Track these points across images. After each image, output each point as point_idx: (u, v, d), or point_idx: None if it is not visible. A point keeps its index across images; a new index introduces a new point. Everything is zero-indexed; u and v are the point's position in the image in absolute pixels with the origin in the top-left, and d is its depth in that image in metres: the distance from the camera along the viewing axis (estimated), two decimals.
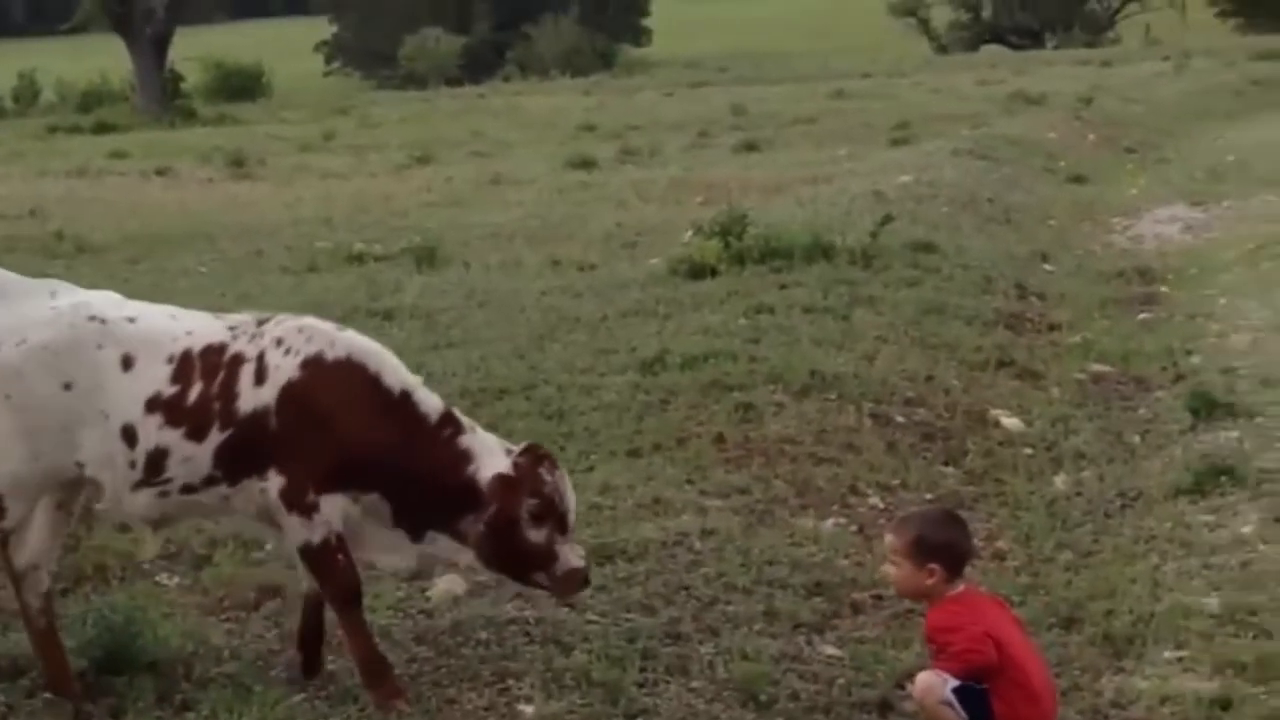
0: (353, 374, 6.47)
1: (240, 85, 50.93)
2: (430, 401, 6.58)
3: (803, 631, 7.46)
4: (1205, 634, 7.50)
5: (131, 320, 6.48)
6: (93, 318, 6.40)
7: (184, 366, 6.41)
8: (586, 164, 23.95)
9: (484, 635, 7.05)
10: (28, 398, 6.28)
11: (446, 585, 7.51)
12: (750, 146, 25.85)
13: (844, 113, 32.43)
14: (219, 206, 20.50)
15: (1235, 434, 10.31)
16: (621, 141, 26.94)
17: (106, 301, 6.56)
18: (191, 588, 7.17)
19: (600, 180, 22.28)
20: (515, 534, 6.49)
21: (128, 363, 6.37)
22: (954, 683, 6.40)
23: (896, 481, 9.62)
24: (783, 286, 13.24)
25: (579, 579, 6.64)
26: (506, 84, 44.86)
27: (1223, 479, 9.43)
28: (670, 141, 27.43)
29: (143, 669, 6.60)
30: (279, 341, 6.47)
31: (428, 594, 7.47)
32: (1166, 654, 7.41)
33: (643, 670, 6.81)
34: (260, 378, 6.41)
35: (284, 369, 6.41)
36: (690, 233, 15.04)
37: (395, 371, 6.57)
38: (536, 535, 6.51)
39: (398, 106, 39.47)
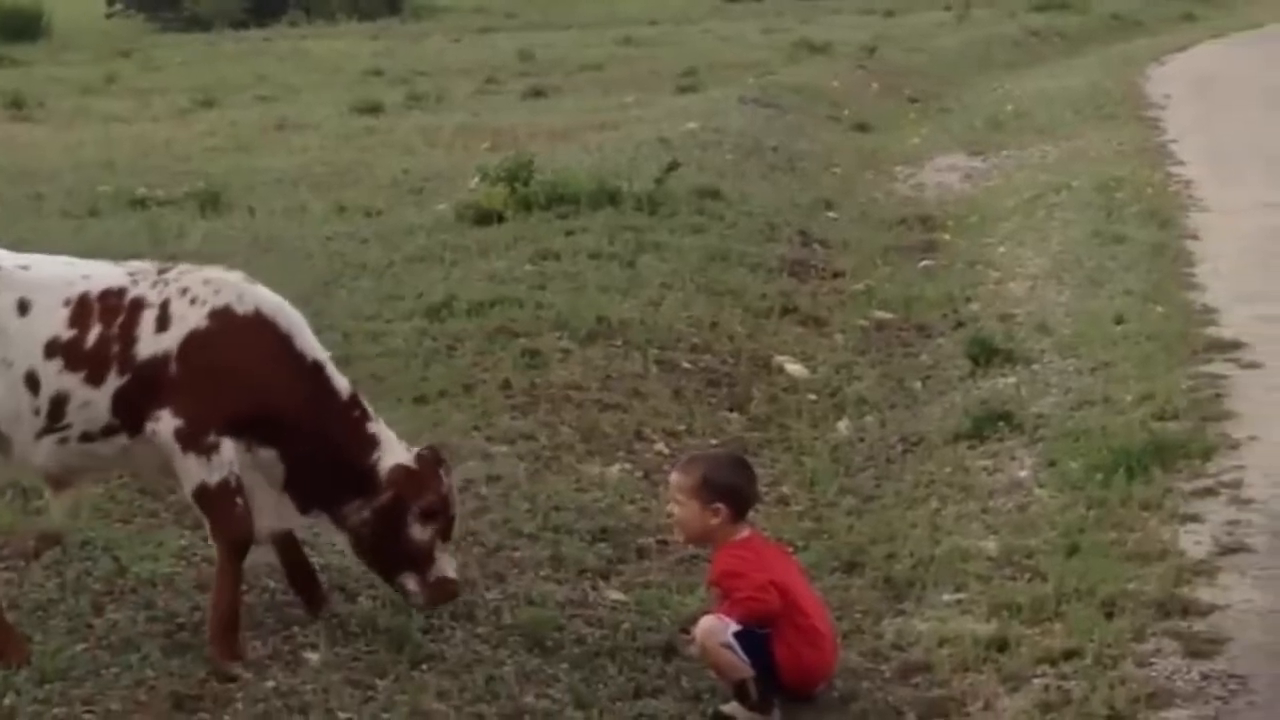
0: (263, 329, 6.38)
1: (19, 25, 49.59)
2: (340, 379, 6.53)
3: (588, 577, 7.49)
4: (983, 576, 7.64)
5: (25, 267, 6.34)
6: None
7: (82, 309, 6.28)
8: (373, 109, 23.72)
9: (269, 583, 6.98)
10: None
11: None
12: (538, 93, 25.78)
13: (632, 60, 32.41)
14: None
15: (1013, 380, 10.50)
16: (409, 87, 26.69)
17: (2, 252, 6.40)
18: None
19: (387, 126, 22.09)
20: (401, 528, 6.49)
21: (24, 307, 6.23)
22: (735, 626, 6.48)
23: (682, 427, 9.68)
24: (569, 233, 13.23)
25: (450, 590, 6.65)
26: (293, 28, 44.12)
27: (1000, 424, 9.60)
28: (458, 87, 27.24)
29: None
30: (184, 291, 6.34)
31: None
32: (945, 596, 7.54)
33: (428, 617, 6.78)
34: (163, 325, 6.29)
35: (189, 318, 6.30)
36: (477, 179, 14.96)
37: (306, 338, 6.49)
38: (421, 534, 6.51)
39: (181, 49, 38.73)
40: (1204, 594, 7.18)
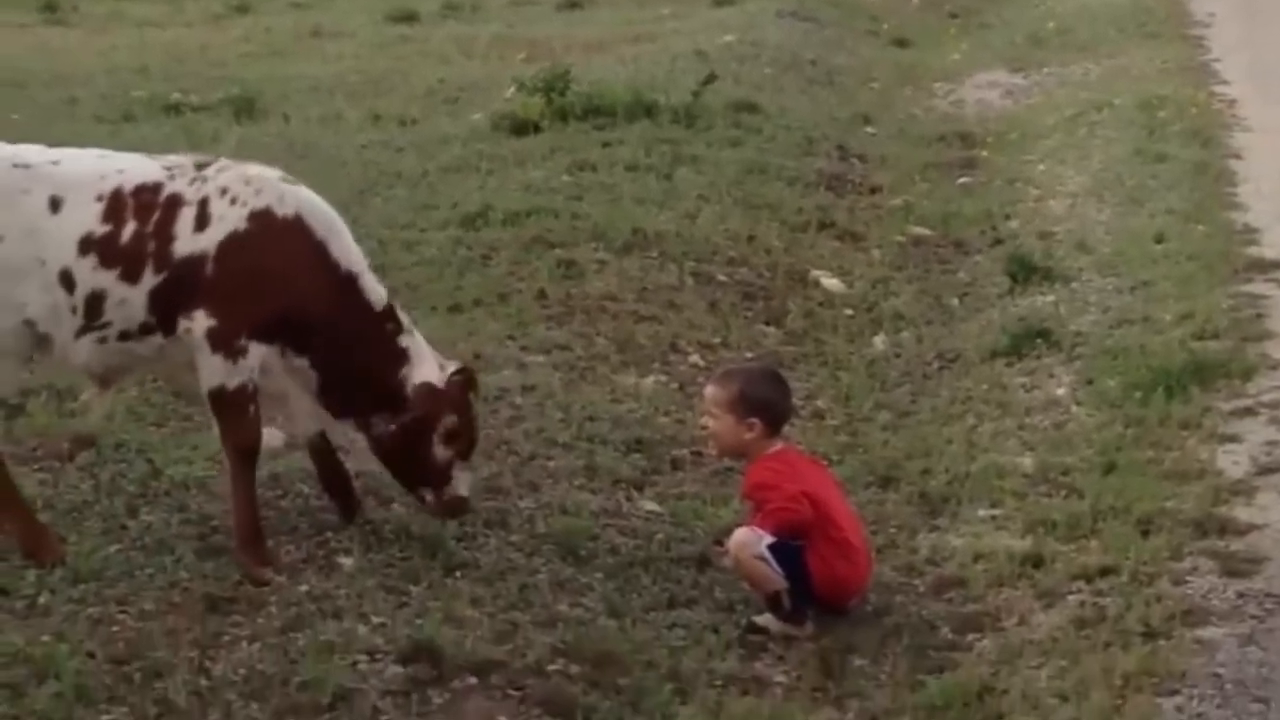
0: (301, 234, 6.32)
1: None
2: (375, 291, 6.49)
3: (622, 487, 7.47)
4: (1019, 493, 7.62)
5: (55, 162, 6.26)
6: (16, 164, 6.18)
7: (115, 205, 6.21)
8: (408, 18, 23.54)
9: (303, 488, 6.98)
10: None
11: (265, 438, 7.40)
12: (573, 4, 25.56)
13: None
14: (30, 53, 19.89)
15: (1051, 298, 10.43)
16: None
17: (30, 150, 6.34)
18: (4, 438, 7.01)
19: (422, 35, 21.94)
20: (423, 446, 6.49)
21: (56, 204, 6.17)
22: (769, 539, 6.46)
23: (717, 340, 9.63)
24: (605, 144, 13.14)
25: (460, 508, 6.67)
26: None
27: (1038, 342, 9.54)
28: None
29: None
30: (224, 190, 6.27)
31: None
32: (980, 512, 7.52)
33: (462, 524, 6.78)
34: (201, 224, 6.22)
35: (229, 219, 6.23)
36: (513, 89, 14.87)
37: (345, 245, 6.44)
38: (442, 454, 6.52)
39: None
40: (1241, 513, 7.14)
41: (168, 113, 15.27)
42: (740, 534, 6.56)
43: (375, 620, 5.95)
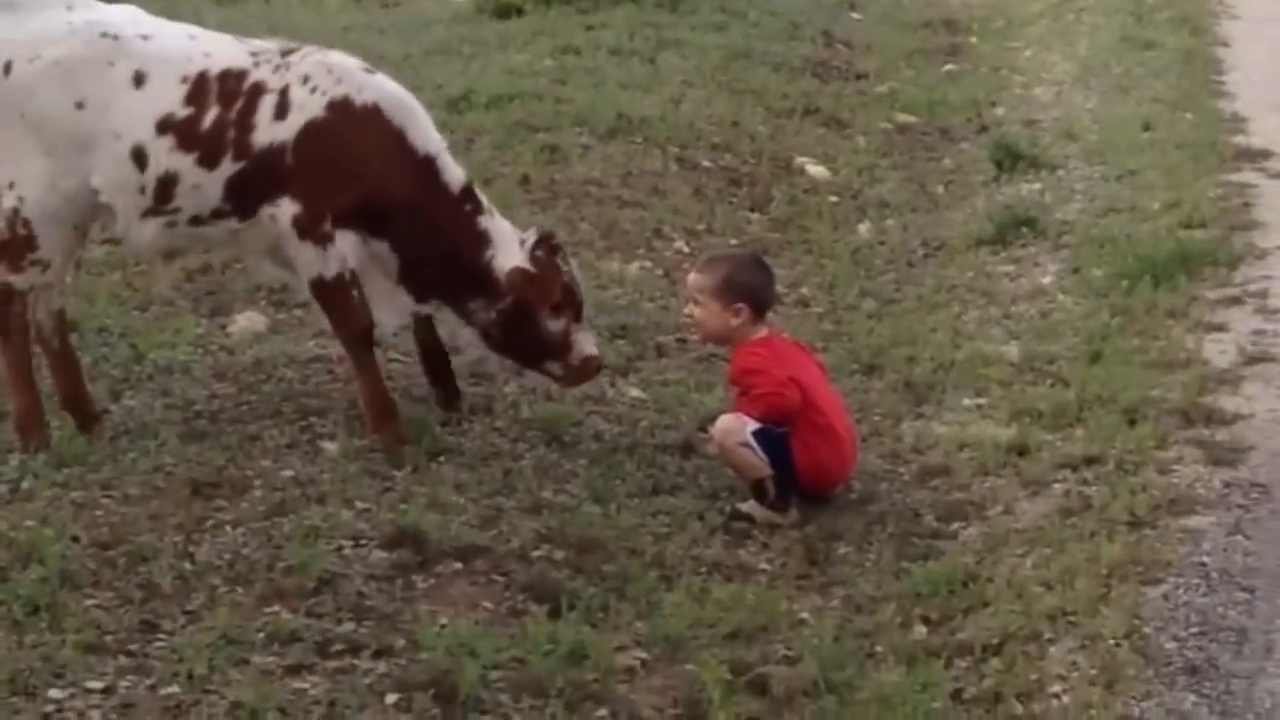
0: (378, 121, 6.30)
1: None
2: (454, 171, 6.48)
3: (607, 374, 7.43)
4: (1004, 381, 7.59)
5: (146, 37, 6.19)
6: (105, 34, 6.11)
7: (200, 88, 6.16)
8: None
9: (286, 373, 6.95)
10: (42, 117, 6.03)
11: (247, 322, 7.38)
12: None
13: None
14: None
15: (1037, 186, 10.40)
16: None
17: (124, 16, 6.26)
18: None
19: None
20: (533, 326, 6.49)
21: (140, 80, 6.11)
22: (754, 425, 6.45)
23: (702, 226, 9.58)
24: (589, 28, 13.06)
25: (594, 366, 6.69)
26: None
27: (1024, 230, 9.52)
28: None
29: None
30: (305, 79, 6.24)
31: (228, 330, 7.34)
32: (965, 400, 7.50)
33: (448, 409, 6.75)
34: (281, 112, 6.19)
35: (308, 107, 6.21)
36: None
37: (423, 130, 6.43)
38: (555, 325, 6.52)
39: None
40: (1227, 403, 7.13)
41: None
42: (725, 420, 6.54)
43: (359, 505, 5.92)
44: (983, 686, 5.26)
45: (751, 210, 10.06)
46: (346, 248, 6.29)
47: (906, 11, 16.53)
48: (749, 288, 6.65)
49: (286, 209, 6.21)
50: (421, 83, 11.26)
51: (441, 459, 6.40)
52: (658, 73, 11.97)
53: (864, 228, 9.97)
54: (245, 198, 6.23)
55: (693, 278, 6.83)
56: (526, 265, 6.46)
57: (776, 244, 9.54)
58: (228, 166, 6.18)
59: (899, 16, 16.16)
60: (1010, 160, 10.78)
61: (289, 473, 6.10)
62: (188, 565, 5.41)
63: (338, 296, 6.34)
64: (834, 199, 10.41)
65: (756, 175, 10.52)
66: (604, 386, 7.33)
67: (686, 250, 9.12)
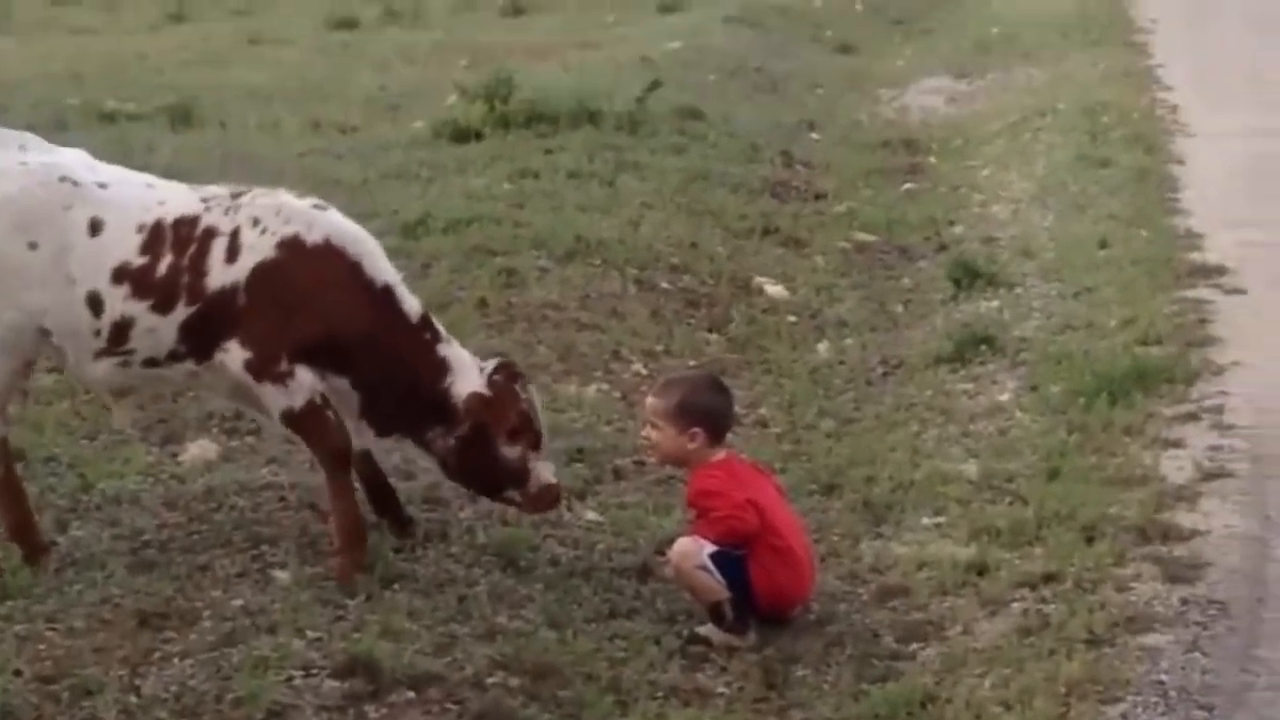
0: (330, 258, 6.33)
1: None
2: (410, 301, 6.50)
3: (564, 496, 7.39)
4: (963, 500, 7.57)
5: (104, 185, 6.26)
6: (64, 178, 6.17)
7: (155, 237, 6.22)
8: (349, 24, 23.48)
9: (238, 501, 6.90)
10: None
11: (198, 450, 7.33)
12: (518, 10, 25.52)
13: None
14: None
15: (995, 303, 10.42)
16: (385, 3, 26.31)
17: (78, 161, 6.33)
18: None
19: (362, 41, 21.87)
20: (490, 453, 6.47)
21: (96, 227, 6.16)
22: (711, 548, 6.41)
23: (660, 348, 9.57)
24: (548, 151, 13.09)
25: (553, 495, 6.65)
26: None
27: (982, 348, 9.51)
28: (435, 3, 26.94)
29: None
30: (255, 221, 6.27)
31: (179, 459, 7.28)
32: (925, 520, 7.47)
33: (401, 536, 6.70)
34: (232, 255, 6.23)
35: (258, 248, 6.25)
36: (455, 96, 14.80)
37: (376, 262, 6.44)
38: (511, 453, 6.49)
39: None
40: (1184, 519, 7.11)
41: (102, 121, 15.14)
42: (682, 543, 6.50)
43: (311, 634, 5.86)
44: None
45: (710, 331, 10.06)
46: (308, 380, 6.29)
47: (865, 132, 16.63)
48: (705, 411, 6.63)
49: (235, 354, 6.24)
50: (379, 208, 11.31)
51: (395, 586, 6.35)
52: (616, 195, 12.00)
53: (823, 347, 9.97)
54: (200, 340, 6.26)
55: (649, 401, 6.81)
56: (484, 390, 6.42)
57: (735, 364, 9.53)
58: (181, 311, 6.22)
59: (858, 137, 16.25)
60: (968, 278, 10.80)
61: (239, 602, 6.04)
62: (134, 699, 5.35)
63: (312, 422, 6.34)
64: (793, 318, 10.41)
65: (715, 296, 10.52)
66: (561, 510, 7.28)
67: (644, 372, 9.10)
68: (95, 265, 6.15)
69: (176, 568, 6.26)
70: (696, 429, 6.58)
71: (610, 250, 10.65)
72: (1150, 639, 6.11)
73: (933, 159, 15.26)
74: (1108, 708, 5.66)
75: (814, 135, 16.05)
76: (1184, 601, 6.39)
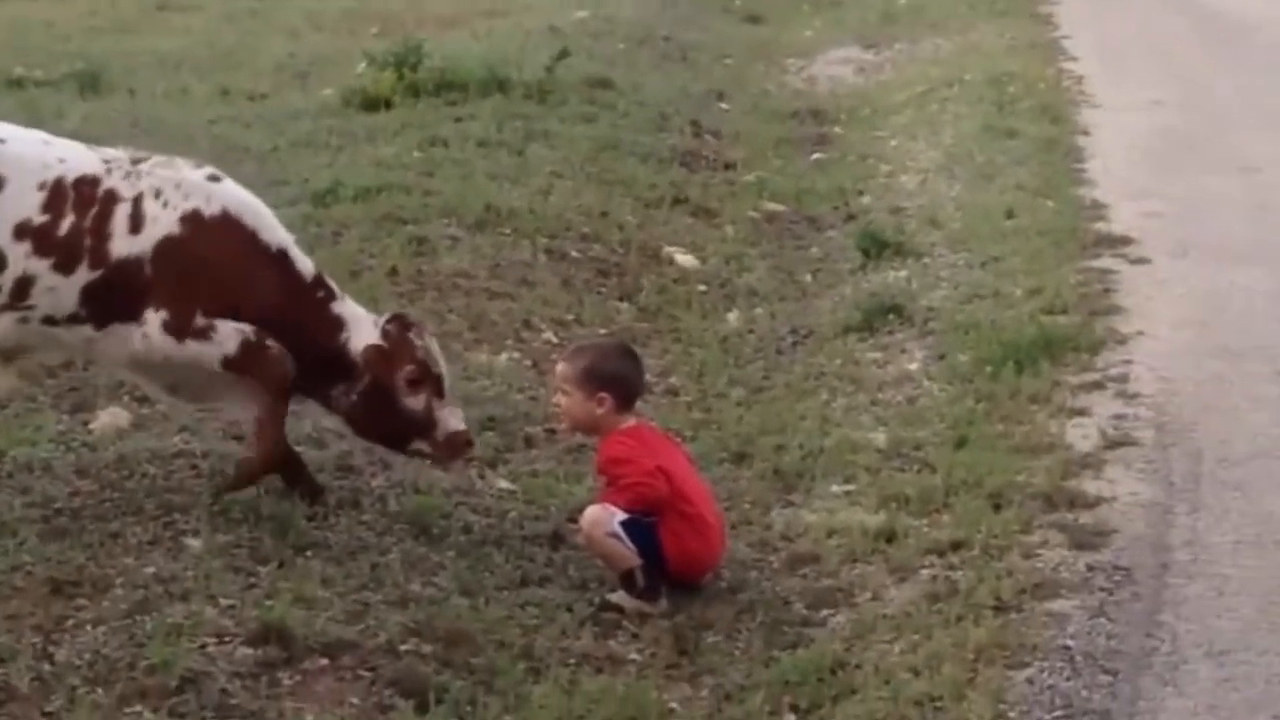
0: (230, 230, 6.38)
1: None
2: (304, 261, 6.54)
3: (475, 465, 7.41)
4: (872, 468, 7.64)
5: (1, 141, 6.21)
6: None
7: (56, 195, 6.20)
8: None
9: (149, 469, 6.85)
10: None
11: (110, 418, 7.29)
12: None
13: None
14: None
15: (903, 273, 10.49)
16: None
17: None
18: None
19: (271, 8, 21.66)
20: (392, 404, 6.50)
21: None
22: (622, 515, 6.44)
23: (571, 317, 9.59)
24: (458, 120, 13.06)
25: (462, 441, 6.65)
26: None
27: (890, 317, 9.59)
28: None
29: None
30: (157, 193, 6.30)
31: (91, 426, 7.25)
32: (834, 488, 7.53)
33: (313, 504, 6.70)
34: (136, 226, 6.25)
35: (161, 222, 6.27)
36: (364, 64, 14.73)
37: (272, 228, 6.50)
38: (414, 402, 6.51)
39: None
40: (1090, 487, 7.21)
41: (10, 88, 14.97)
42: (592, 511, 6.53)
43: (224, 602, 5.85)
44: None
45: (620, 300, 10.09)
46: (229, 325, 6.33)
47: (774, 101, 16.67)
48: (613, 376, 6.66)
49: (153, 319, 6.27)
50: (288, 175, 11.28)
51: (307, 553, 6.34)
52: (526, 164, 11.99)
53: (733, 316, 10.02)
54: (101, 306, 6.27)
55: (559, 367, 6.85)
56: (380, 342, 6.46)
57: (645, 333, 9.56)
58: (84, 274, 6.23)
59: (766, 106, 16.30)
60: (877, 248, 10.87)
61: (151, 569, 6.02)
62: (46, 666, 5.32)
63: (255, 357, 6.38)
64: (702, 288, 10.45)
65: (625, 265, 10.54)
66: (473, 478, 7.31)
67: (555, 341, 9.12)
68: None
69: (89, 535, 6.22)
70: (604, 394, 6.61)
71: (520, 219, 10.66)
72: (1056, 605, 6.19)
73: (840, 129, 15.33)
74: (1014, 672, 5.73)
75: (723, 105, 16.08)
76: (1090, 568, 6.48)
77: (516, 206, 10.83)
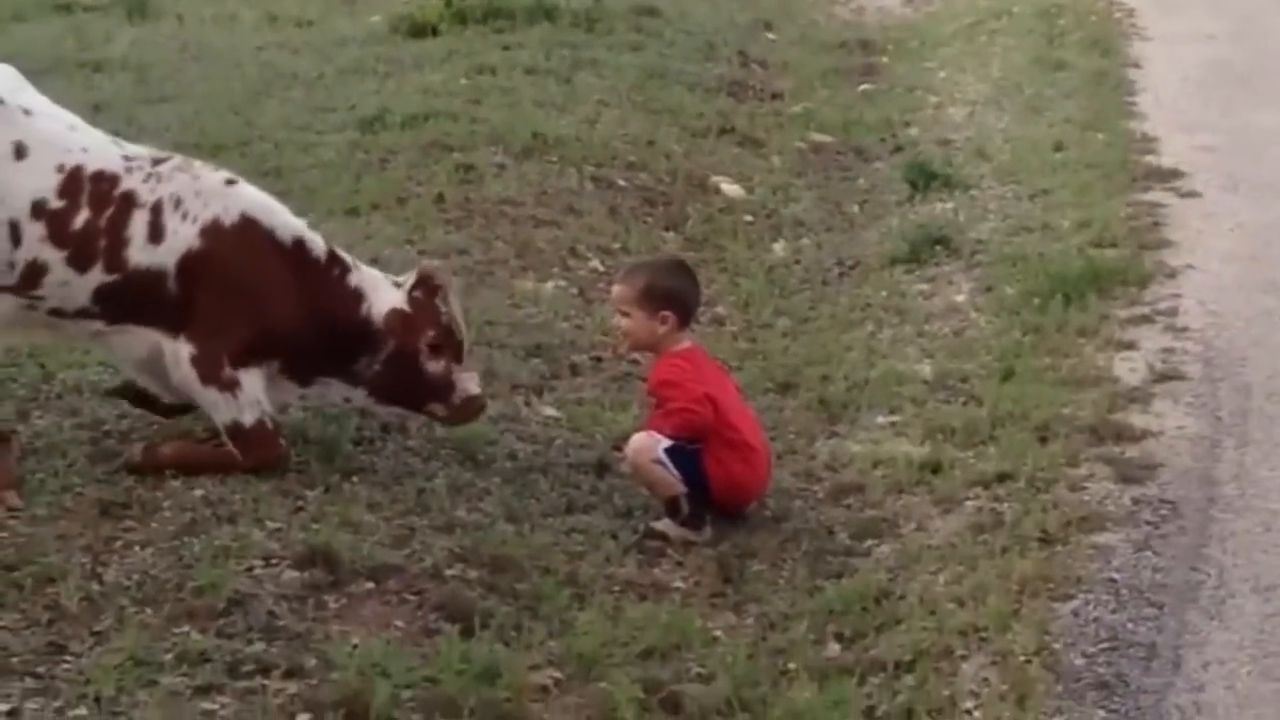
0: (249, 234, 6.23)
1: None
2: (317, 242, 6.39)
3: (521, 392, 7.43)
4: (917, 400, 7.63)
5: (28, 112, 6.06)
6: None
7: (73, 183, 6.04)
8: None
9: None
10: None
11: None
12: None
13: None
14: None
15: (951, 205, 10.45)
16: None
17: (5, 78, 6.13)
18: None
19: None
20: (414, 368, 6.43)
21: (20, 152, 5.98)
22: (667, 442, 6.44)
23: (617, 245, 9.58)
24: (505, 47, 13.03)
25: (476, 406, 6.60)
26: None
27: (937, 249, 9.57)
28: None
29: None
30: (177, 202, 6.14)
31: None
32: (880, 419, 7.53)
33: (359, 429, 6.72)
34: (156, 236, 6.10)
35: (183, 235, 6.11)
36: None
37: (285, 222, 6.35)
38: (435, 367, 6.45)
39: None
40: (1137, 420, 7.18)
41: (58, 12, 14.98)
42: (638, 438, 6.53)
43: (271, 525, 5.88)
44: (895, 703, 5.27)
45: (667, 229, 10.07)
46: (256, 389, 6.26)
47: (822, 32, 16.59)
48: (672, 292, 6.66)
49: (183, 351, 6.16)
50: (335, 102, 11.28)
51: (354, 478, 6.36)
52: (573, 92, 11.97)
53: (779, 247, 10.00)
54: (115, 306, 6.14)
55: (615, 290, 6.83)
56: (403, 306, 6.42)
57: (692, 262, 9.39)
58: (98, 275, 6.08)
59: (814, 37, 16.22)
60: (924, 180, 10.83)
61: (199, 492, 6.04)
62: (95, 586, 5.35)
63: (257, 441, 6.26)
64: (749, 218, 10.43)
65: (672, 194, 10.53)
66: (519, 405, 7.32)
67: (601, 269, 9.12)
68: (16, 191, 5.97)
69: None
70: (666, 311, 6.60)
71: (567, 147, 10.64)
72: (1102, 538, 6.18)
73: (888, 60, 15.25)
74: (1059, 604, 5.73)
75: (770, 35, 16.00)
76: (1136, 501, 6.46)
77: (563, 134, 10.81)
